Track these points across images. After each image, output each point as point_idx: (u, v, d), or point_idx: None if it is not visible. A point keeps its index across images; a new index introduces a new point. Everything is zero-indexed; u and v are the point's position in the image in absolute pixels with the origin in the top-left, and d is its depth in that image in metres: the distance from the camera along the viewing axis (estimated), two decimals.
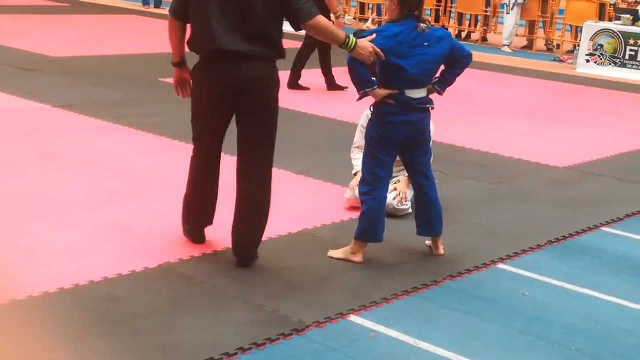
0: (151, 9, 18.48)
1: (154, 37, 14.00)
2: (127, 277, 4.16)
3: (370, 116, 4.67)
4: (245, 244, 4.45)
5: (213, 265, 4.40)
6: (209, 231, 4.71)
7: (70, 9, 17.59)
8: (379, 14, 16.42)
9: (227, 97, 4.27)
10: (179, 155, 6.37)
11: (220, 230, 4.69)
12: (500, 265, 4.76)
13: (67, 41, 12.64)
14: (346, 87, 9.43)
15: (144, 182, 5.73)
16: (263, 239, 4.54)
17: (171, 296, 4.00)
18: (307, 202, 5.60)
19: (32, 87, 8.73)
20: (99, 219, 4.96)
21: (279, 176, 6.11)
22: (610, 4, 14.77)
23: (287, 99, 8.94)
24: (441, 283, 4.42)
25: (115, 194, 5.43)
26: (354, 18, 17.93)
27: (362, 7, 18.53)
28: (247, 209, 4.43)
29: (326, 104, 9.09)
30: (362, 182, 4.62)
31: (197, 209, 4.61)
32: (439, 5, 16.84)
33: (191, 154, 4.54)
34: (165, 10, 18.11)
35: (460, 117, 8.84)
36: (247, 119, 4.36)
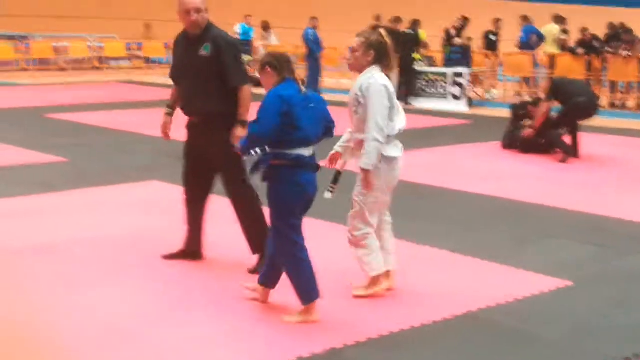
0: None
1: None
2: None
3: None
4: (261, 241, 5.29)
5: (378, 350, 4.34)
6: (367, 320, 4.68)
7: None
8: None
9: None
10: (337, 237, 6.40)
11: (386, 313, 4.62)
12: None
13: None
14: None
15: None
16: (428, 323, 4.61)
17: None
18: (467, 282, 5.47)
19: None
20: (261, 304, 5.01)
21: (434, 255, 6.05)
22: None
23: (435, 178, 8.91)
24: None
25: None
26: None
27: None
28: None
29: (474, 179, 8.96)
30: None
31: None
32: (590, 75, 16.42)
33: None
34: None
35: (621, 188, 8.51)
36: None
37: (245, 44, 21.53)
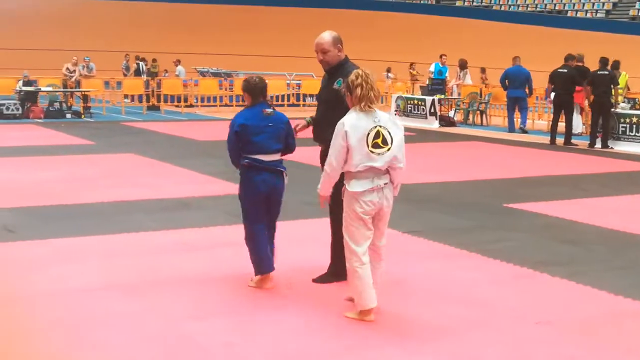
0: (508, 135, 18.63)
1: (498, 163, 14.06)
2: None
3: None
4: None
5: None
6: None
7: (416, 138, 18.27)
8: None
9: None
10: (528, 284, 6.19)
11: None
12: None
13: (412, 169, 13.04)
14: None
15: (491, 311, 5.57)
16: None
17: None
18: None
19: None
20: (447, 348, 4.88)
21: (636, 308, 5.66)
22: None
23: (637, 226, 8.41)
24: None
25: (461, 323, 5.32)
26: None
27: None
28: None
29: None
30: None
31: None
32: None
33: None
34: (523, 137, 18.11)
35: None
36: None
37: (438, 83, 21.52)
